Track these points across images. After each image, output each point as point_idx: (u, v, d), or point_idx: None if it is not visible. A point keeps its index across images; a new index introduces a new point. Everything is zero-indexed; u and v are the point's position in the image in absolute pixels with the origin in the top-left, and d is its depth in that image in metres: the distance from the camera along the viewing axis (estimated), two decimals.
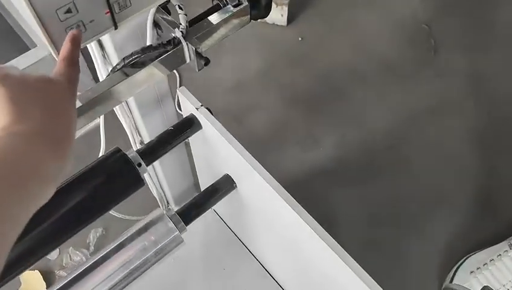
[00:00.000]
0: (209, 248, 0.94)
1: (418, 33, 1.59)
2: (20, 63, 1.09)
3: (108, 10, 0.46)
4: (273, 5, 1.36)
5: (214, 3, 0.60)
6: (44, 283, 1.08)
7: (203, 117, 0.61)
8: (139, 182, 0.59)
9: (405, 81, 1.48)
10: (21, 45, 1.42)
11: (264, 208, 0.64)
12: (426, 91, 1.45)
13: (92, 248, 1.12)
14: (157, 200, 1.03)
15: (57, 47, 0.46)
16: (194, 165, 0.90)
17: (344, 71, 1.49)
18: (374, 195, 1.27)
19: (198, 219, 0.68)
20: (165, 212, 0.64)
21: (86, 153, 0.83)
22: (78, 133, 0.57)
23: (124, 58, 0.53)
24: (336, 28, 1.59)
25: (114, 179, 0.59)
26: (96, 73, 0.67)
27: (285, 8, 1.48)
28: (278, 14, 1.51)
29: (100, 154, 0.78)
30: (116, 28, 0.48)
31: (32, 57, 1.10)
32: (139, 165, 0.59)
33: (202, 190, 0.73)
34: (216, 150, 0.65)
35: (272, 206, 0.59)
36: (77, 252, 1.10)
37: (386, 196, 1.27)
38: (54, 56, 0.47)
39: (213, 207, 0.86)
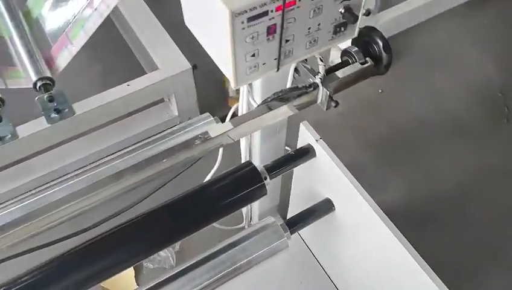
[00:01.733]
0: (288, 266, 1.06)
1: (492, 99, 1.67)
2: (144, 82, 1.29)
3: (277, 57, 0.62)
4: None
5: (344, 60, 0.74)
6: (133, 270, 1.23)
7: (320, 148, 0.75)
8: (263, 191, 0.73)
9: (475, 142, 1.56)
10: (136, 66, 1.65)
11: (360, 229, 0.76)
12: (495, 153, 1.53)
13: (177, 247, 1.26)
14: (243, 214, 1.17)
15: (236, 80, 0.61)
16: (285, 187, 1.04)
17: (417, 124, 1.60)
18: (431, 243, 1.34)
19: None
20: (274, 220, 0.77)
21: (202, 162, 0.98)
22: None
23: (274, 93, 0.68)
24: (414, 85, 1.71)
25: (243, 186, 0.73)
26: None
27: None
28: None
29: (216, 166, 0.93)
30: (277, 70, 0.64)
31: (155, 77, 1.29)
32: (265, 178, 0.73)
33: (290, 208, 0.86)
34: (324, 176, 0.78)
35: (369, 227, 0.71)
36: (165, 249, 1.25)
37: (444, 246, 1.34)
38: (233, 85, 0.62)
39: (299, 231, 0.99)
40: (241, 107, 0.80)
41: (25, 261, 0.69)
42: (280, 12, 0.55)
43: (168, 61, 1.30)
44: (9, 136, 1.13)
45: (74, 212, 0.68)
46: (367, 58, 0.72)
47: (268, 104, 0.70)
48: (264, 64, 0.61)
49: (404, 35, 1.78)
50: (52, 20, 1.33)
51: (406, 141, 1.57)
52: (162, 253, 1.25)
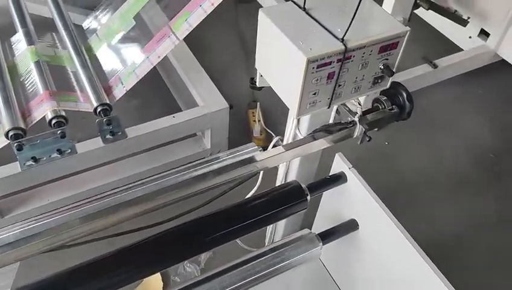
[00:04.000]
0: (304, 283, 1.19)
1: (485, 159, 1.87)
2: (187, 115, 1.47)
3: (330, 97, 0.80)
4: None
5: (374, 106, 0.93)
6: (162, 283, 1.35)
7: (352, 175, 0.92)
8: (304, 206, 0.89)
9: (471, 195, 1.74)
10: (174, 104, 1.84)
11: (382, 250, 0.91)
12: (487, 205, 1.70)
13: (202, 265, 1.39)
14: (268, 232, 1.31)
15: (299, 111, 0.79)
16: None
17: (419, 175, 1.78)
18: None
19: None
20: (311, 231, 0.93)
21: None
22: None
23: (322, 126, 0.86)
24: (417, 140, 1.91)
25: (289, 199, 0.89)
26: None
27: None
28: None
29: (256, 187, 1.09)
30: (328, 108, 0.82)
31: (197, 112, 1.48)
32: (307, 194, 0.90)
33: (314, 225, 1.01)
34: (352, 199, 0.95)
35: (393, 249, 0.86)
36: (190, 265, 1.38)
37: None
38: (295, 115, 0.80)
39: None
40: (287, 136, 0.98)
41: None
42: (339, 63, 0.74)
43: (209, 100, 1.49)
44: (69, 151, 1.30)
45: (124, 218, 0.79)
46: (393, 106, 0.91)
47: (313, 135, 0.88)
48: (320, 101, 0.79)
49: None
50: (108, 60, 1.54)
51: (408, 190, 1.74)
52: (188, 268, 1.38)
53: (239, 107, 1.81)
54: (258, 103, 1.78)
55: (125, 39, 1.56)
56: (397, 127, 1.97)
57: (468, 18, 2.06)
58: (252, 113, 1.80)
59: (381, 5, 0.91)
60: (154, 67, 1.41)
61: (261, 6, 2.31)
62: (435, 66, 1.97)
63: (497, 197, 1.74)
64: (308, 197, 0.89)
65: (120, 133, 1.35)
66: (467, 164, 1.85)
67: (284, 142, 0.99)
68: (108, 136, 1.34)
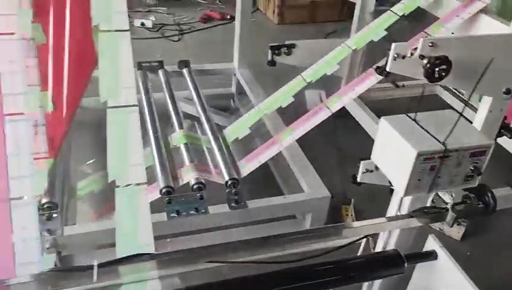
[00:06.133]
0: None
1: None
2: (296, 198, 1.77)
3: (430, 185, 1.06)
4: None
5: (463, 200, 1.17)
6: None
7: (443, 253, 1.13)
8: (402, 271, 1.11)
9: None
10: (275, 189, 2.16)
11: None
12: None
13: None
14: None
15: (406, 192, 1.06)
16: None
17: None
18: None
19: None
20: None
21: None
22: None
23: (420, 207, 1.11)
24: (499, 253, 2.03)
25: (389, 264, 1.12)
26: None
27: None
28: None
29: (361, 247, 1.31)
30: (427, 193, 1.08)
31: (303, 197, 1.78)
32: (404, 262, 1.12)
33: None
34: (441, 276, 1.14)
35: None
36: None
37: None
38: (402, 195, 1.07)
39: None
40: (390, 212, 1.23)
41: None
42: (440, 159, 1.02)
43: (314, 187, 1.79)
44: (203, 210, 1.64)
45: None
46: (479, 202, 1.15)
47: (411, 213, 1.13)
48: (422, 187, 1.06)
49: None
50: (238, 149, 1.93)
51: None
52: None
53: (331, 201, 2.08)
54: (353, 200, 2.05)
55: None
56: (478, 237, 2.12)
57: None
58: (345, 208, 2.06)
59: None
60: None
61: (355, 120, 2.74)
62: None
63: None
64: (405, 264, 1.11)
65: (242, 203, 1.67)
66: None
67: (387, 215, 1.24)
68: (233, 204, 1.67)
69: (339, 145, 2.63)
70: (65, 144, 1.16)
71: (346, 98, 1.70)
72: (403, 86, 3.10)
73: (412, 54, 1.36)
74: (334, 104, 1.70)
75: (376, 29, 1.80)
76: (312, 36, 4.22)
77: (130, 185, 1.04)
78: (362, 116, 2.56)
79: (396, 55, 1.34)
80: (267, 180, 2.24)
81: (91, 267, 0.87)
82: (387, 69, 1.39)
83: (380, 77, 1.67)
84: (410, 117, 1.10)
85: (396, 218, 1.10)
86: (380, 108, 2.68)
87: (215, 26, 4.31)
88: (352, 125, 2.66)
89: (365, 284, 1.37)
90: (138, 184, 1.05)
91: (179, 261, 0.96)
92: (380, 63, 1.59)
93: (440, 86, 3.13)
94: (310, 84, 1.85)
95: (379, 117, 1.11)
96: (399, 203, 1.20)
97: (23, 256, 0.93)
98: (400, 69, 1.39)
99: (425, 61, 1.35)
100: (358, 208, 2.10)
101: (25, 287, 0.83)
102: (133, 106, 1.17)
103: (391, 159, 1.09)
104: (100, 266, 0.88)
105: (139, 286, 1.04)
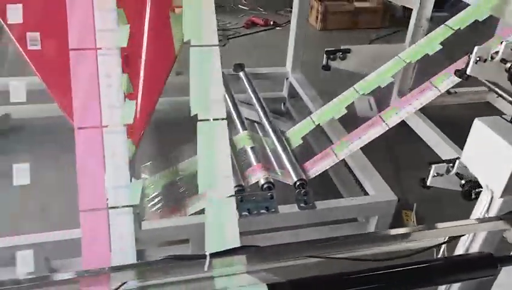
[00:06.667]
0: None
1: None
2: (361, 200, 1.77)
3: None
4: None
5: None
6: None
7: None
8: (494, 273, 1.10)
9: None
10: (334, 192, 2.16)
11: None
12: None
13: None
14: None
15: (503, 194, 1.05)
16: None
17: None
18: None
19: None
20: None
21: None
22: None
23: (510, 211, 1.10)
24: None
25: (480, 266, 1.11)
26: None
27: None
28: None
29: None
30: None
31: (369, 199, 1.78)
32: (497, 266, 1.11)
33: None
34: None
35: None
36: None
37: None
38: (498, 196, 1.06)
39: None
40: (477, 214, 1.22)
41: None
42: None
43: (380, 190, 1.79)
44: (273, 209, 1.66)
45: None
46: None
47: (501, 216, 1.12)
48: None
49: None
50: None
51: None
52: None
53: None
54: (415, 204, 2.04)
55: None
56: None
57: None
58: (406, 213, 2.05)
59: None
60: None
61: (408, 126, 2.66)
62: None
63: None
64: (498, 267, 1.10)
65: (311, 203, 1.69)
66: None
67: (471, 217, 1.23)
68: (302, 205, 1.68)
69: (392, 151, 2.62)
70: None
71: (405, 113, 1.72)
72: (455, 92, 3.06)
73: (492, 58, 1.36)
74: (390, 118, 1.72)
75: (431, 42, 1.80)
76: (356, 43, 4.22)
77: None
78: (417, 123, 2.54)
79: (478, 58, 1.35)
80: (323, 183, 2.24)
81: (202, 256, 0.90)
82: (468, 72, 1.39)
83: (438, 92, 1.66)
84: (504, 118, 1.10)
85: (486, 220, 1.10)
86: (430, 114, 2.65)
87: (258, 32, 4.37)
88: (404, 131, 2.64)
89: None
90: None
91: (279, 255, 0.98)
92: (459, 66, 1.58)
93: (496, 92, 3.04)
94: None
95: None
96: (487, 205, 1.19)
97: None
98: (481, 72, 1.38)
99: (508, 65, 1.34)
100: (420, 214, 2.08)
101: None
102: (222, 119, 1.24)
103: (487, 160, 1.09)
104: (211, 256, 0.90)
105: (234, 279, 1.07)
